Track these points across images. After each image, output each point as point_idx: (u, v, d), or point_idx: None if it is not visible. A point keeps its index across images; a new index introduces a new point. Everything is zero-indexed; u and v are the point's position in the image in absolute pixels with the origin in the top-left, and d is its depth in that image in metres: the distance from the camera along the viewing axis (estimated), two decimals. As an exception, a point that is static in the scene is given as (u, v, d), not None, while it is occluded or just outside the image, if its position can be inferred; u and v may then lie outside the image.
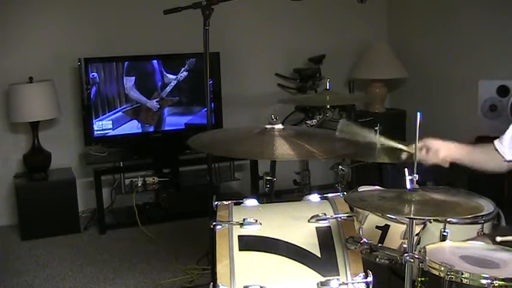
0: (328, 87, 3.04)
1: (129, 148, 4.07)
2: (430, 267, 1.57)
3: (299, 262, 1.71)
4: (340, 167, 2.86)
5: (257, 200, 2.00)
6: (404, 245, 1.62)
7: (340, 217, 1.83)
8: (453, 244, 1.79)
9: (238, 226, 1.79)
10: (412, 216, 1.54)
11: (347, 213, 1.84)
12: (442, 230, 1.90)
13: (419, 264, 1.59)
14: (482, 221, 2.07)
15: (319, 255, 1.72)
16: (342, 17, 4.66)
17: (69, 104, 4.07)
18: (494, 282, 1.47)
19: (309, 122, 3.11)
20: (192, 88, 4.08)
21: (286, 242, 1.75)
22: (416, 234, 2.08)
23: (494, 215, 2.14)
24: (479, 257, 1.64)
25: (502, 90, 3.38)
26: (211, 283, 1.70)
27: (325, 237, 1.77)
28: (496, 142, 2.05)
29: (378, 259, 1.72)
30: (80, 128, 4.03)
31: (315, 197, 2.01)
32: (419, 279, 1.60)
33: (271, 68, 4.52)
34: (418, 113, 1.64)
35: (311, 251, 1.73)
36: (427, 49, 4.41)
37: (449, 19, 4.14)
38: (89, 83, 3.83)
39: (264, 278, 1.67)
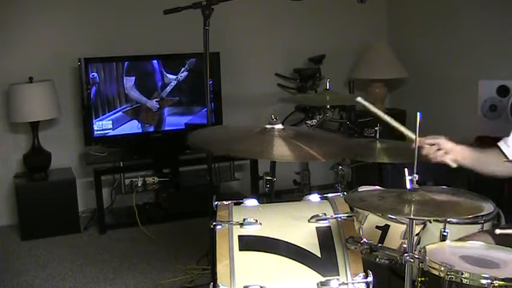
0: (328, 87, 3.04)
1: (129, 148, 4.07)
2: (430, 267, 1.57)
3: (299, 262, 1.71)
4: (340, 167, 2.86)
5: (257, 200, 2.00)
6: (404, 245, 1.62)
7: (340, 217, 1.83)
8: (453, 244, 1.79)
9: (238, 226, 1.79)
10: (412, 216, 1.54)
11: (347, 213, 1.85)
12: (442, 230, 1.91)
13: (419, 264, 1.59)
14: (482, 221, 2.07)
15: (319, 255, 1.72)
16: (342, 17, 4.66)
17: (69, 104, 4.07)
18: (494, 282, 1.47)
19: (309, 122, 3.11)
20: (192, 88, 4.09)
21: (286, 242, 1.75)
22: (416, 234, 2.08)
23: (494, 215, 2.15)
24: (479, 257, 1.64)
25: (502, 90, 3.39)
26: (211, 283, 1.70)
27: (325, 237, 1.77)
28: (500, 143, 2.04)
29: (378, 259, 1.72)
30: (80, 128, 4.03)
31: (315, 197, 2.01)
32: (419, 279, 1.60)
33: (271, 68, 4.52)
34: (418, 113, 1.64)
35: (311, 251, 1.73)
36: (427, 49, 4.41)
37: (449, 19, 4.14)
38: (89, 83, 3.83)
39: (264, 278, 1.67)
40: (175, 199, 4.22)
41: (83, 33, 4.03)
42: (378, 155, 2.45)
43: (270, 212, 1.96)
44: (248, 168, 4.19)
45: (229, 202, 1.94)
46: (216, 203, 1.94)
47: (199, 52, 2.60)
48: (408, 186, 1.61)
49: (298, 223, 1.83)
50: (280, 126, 1.97)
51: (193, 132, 2.07)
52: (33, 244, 3.67)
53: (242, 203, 1.97)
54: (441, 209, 1.61)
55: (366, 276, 1.68)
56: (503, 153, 2.01)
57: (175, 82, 4.04)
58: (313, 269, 1.69)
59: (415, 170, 1.63)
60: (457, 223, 2.06)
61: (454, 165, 1.99)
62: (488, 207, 2.17)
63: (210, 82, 3.15)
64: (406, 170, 1.64)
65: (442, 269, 1.53)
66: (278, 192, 3.75)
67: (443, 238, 1.89)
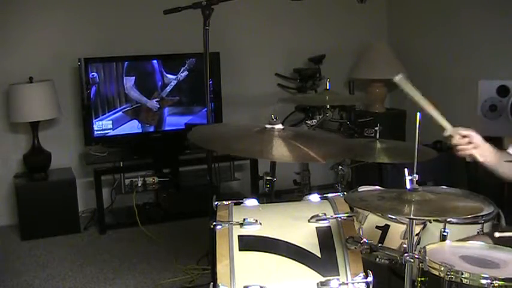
0: (328, 87, 3.03)
1: (129, 148, 4.07)
2: (430, 267, 1.57)
3: (299, 262, 1.71)
4: (340, 167, 2.86)
5: (257, 200, 2.00)
6: (404, 245, 1.62)
7: (340, 217, 1.83)
8: (453, 244, 1.79)
9: (238, 226, 1.79)
10: (412, 216, 1.54)
11: (347, 213, 1.85)
12: (442, 230, 1.91)
13: (419, 264, 1.59)
14: (482, 221, 2.07)
15: (319, 255, 1.72)
16: (342, 17, 4.66)
17: (69, 104, 4.07)
18: (494, 282, 1.47)
19: (309, 122, 3.11)
20: (192, 88, 4.09)
21: (286, 242, 1.75)
22: (416, 234, 2.08)
23: (494, 215, 2.15)
24: (479, 257, 1.64)
25: (502, 90, 3.38)
26: (211, 283, 1.70)
27: (325, 237, 1.77)
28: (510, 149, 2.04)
29: (378, 259, 1.72)
30: (80, 128, 4.03)
31: (315, 197, 2.01)
32: (419, 279, 1.60)
33: (271, 68, 4.52)
34: (418, 113, 1.64)
35: (311, 251, 1.73)
36: (427, 49, 4.41)
37: (449, 19, 4.14)
38: (89, 83, 3.83)
39: (264, 278, 1.67)
40: (175, 199, 4.22)
41: (83, 33, 4.03)
42: (377, 155, 2.45)
43: (270, 212, 1.96)
44: (248, 168, 4.19)
45: (229, 202, 1.94)
46: (216, 203, 1.94)
47: (199, 52, 2.60)
48: (408, 186, 1.61)
49: (298, 223, 1.83)
50: (280, 126, 1.97)
51: (193, 129, 2.06)
52: (33, 244, 3.67)
53: (242, 203, 1.97)
54: (441, 209, 1.61)
55: (366, 276, 1.68)
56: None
57: (175, 82, 4.04)
58: (313, 269, 1.69)
59: (415, 170, 1.63)
60: (457, 223, 2.07)
61: (481, 159, 1.97)
62: (488, 207, 2.18)
63: (210, 82, 3.15)
64: (406, 170, 1.64)
65: (442, 269, 1.53)
66: (278, 192, 3.75)
67: (443, 238, 1.89)
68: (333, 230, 1.80)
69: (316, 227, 1.80)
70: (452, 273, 1.52)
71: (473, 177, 3.31)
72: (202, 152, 3.26)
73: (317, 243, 1.75)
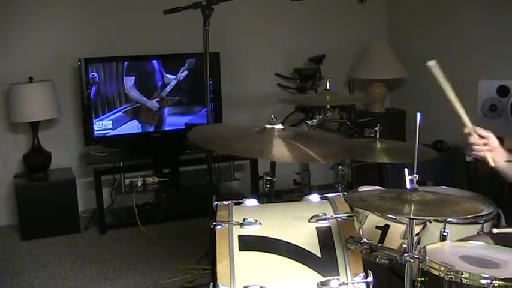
0: (328, 87, 3.03)
1: (129, 148, 4.07)
2: (430, 267, 1.57)
3: (299, 262, 1.71)
4: (340, 167, 2.86)
5: (257, 200, 2.00)
6: (404, 245, 1.62)
7: (340, 217, 1.83)
8: (453, 244, 1.79)
9: (238, 226, 1.79)
10: (412, 216, 1.54)
11: (347, 213, 1.84)
12: (442, 230, 1.91)
13: (419, 264, 1.59)
14: (482, 221, 2.07)
15: (319, 255, 1.72)
16: (342, 17, 4.66)
17: (69, 104, 4.07)
18: (494, 282, 1.47)
19: (309, 122, 3.11)
20: (192, 88, 4.09)
21: (286, 242, 1.75)
22: (416, 234, 2.08)
23: (494, 215, 2.15)
24: (479, 257, 1.64)
25: (502, 90, 3.38)
26: (211, 283, 1.70)
27: (325, 237, 1.77)
28: None
29: (378, 259, 1.72)
30: (80, 128, 4.03)
31: (315, 197, 2.01)
32: (419, 279, 1.60)
33: (271, 68, 4.52)
34: (418, 113, 1.64)
35: (311, 251, 1.73)
36: (427, 49, 4.40)
37: (449, 19, 4.14)
38: (89, 83, 3.83)
39: (264, 278, 1.67)
40: (175, 199, 4.22)
41: (83, 33, 4.03)
42: (377, 155, 2.45)
43: (270, 212, 1.96)
44: (248, 168, 4.19)
45: (229, 202, 1.94)
46: (216, 203, 1.94)
47: (199, 52, 2.60)
48: (408, 186, 1.61)
49: (298, 223, 1.83)
50: (280, 126, 1.97)
51: (192, 129, 2.06)
52: (33, 244, 3.67)
53: (242, 203, 1.97)
54: (441, 209, 1.61)
55: (366, 276, 1.68)
56: None
57: (175, 82, 4.04)
58: (313, 269, 1.69)
59: (415, 170, 1.63)
60: (457, 223, 2.07)
61: (492, 164, 1.96)
62: (488, 207, 2.18)
63: (210, 82, 3.15)
64: (406, 170, 1.64)
65: (442, 269, 1.53)
66: (278, 192, 3.75)
67: (443, 238, 1.89)
68: (333, 230, 1.80)
69: (316, 227, 1.80)
70: (452, 273, 1.52)
71: (473, 177, 3.31)
72: (202, 152, 3.26)
73: (317, 243, 1.75)
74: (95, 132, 3.90)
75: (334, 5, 4.63)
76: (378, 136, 2.54)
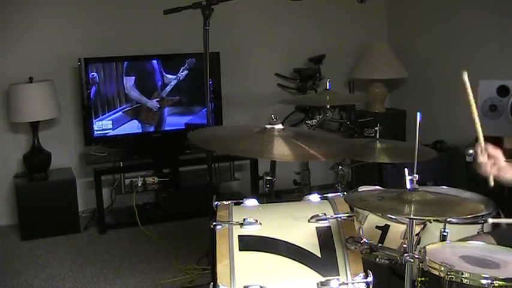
0: (328, 87, 3.03)
1: (129, 148, 4.07)
2: (430, 267, 1.57)
3: (299, 262, 1.71)
4: (340, 167, 2.86)
5: (257, 200, 2.00)
6: (404, 245, 1.62)
7: (340, 217, 1.83)
8: (453, 244, 1.79)
9: (238, 226, 1.79)
10: (412, 216, 1.54)
11: (347, 213, 1.85)
12: (442, 230, 1.91)
13: (419, 264, 1.59)
14: (482, 221, 2.07)
15: (319, 255, 1.72)
16: (342, 17, 4.66)
17: (69, 104, 4.07)
18: (494, 282, 1.47)
19: (309, 122, 3.11)
20: (193, 88, 4.09)
21: (286, 242, 1.75)
22: (416, 234, 2.08)
23: (494, 215, 2.14)
24: (479, 257, 1.64)
25: (502, 90, 3.38)
26: (211, 283, 1.70)
27: (325, 237, 1.77)
28: None
29: (378, 259, 1.72)
30: (80, 128, 4.03)
31: (315, 197, 2.01)
32: (419, 279, 1.60)
33: (271, 68, 4.52)
34: (418, 113, 1.64)
35: (311, 251, 1.73)
36: (427, 49, 4.41)
37: (450, 19, 4.14)
38: (89, 83, 3.83)
39: (264, 278, 1.67)
40: (175, 199, 4.22)
41: (83, 33, 4.03)
42: (377, 155, 2.45)
43: (270, 212, 1.96)
44: (248, 168, 4.19)
45: (229, 202, 1.94)
46: (216, 203, 1.94)
47: (199, 52, 2.60)
48: (408, 186, 1.61)
49: (298, 223, 1.83)
50: (280, 126, 1.97)
51: (193, 131, 2.07)
52: (33, 244, 3.67)
53: (242, 203, 1.97)
54: (441, 209, 1.61)
55: (366, 276, 1.68)
56: None
57: (175, 82, 4.04)
58: (313, 269, 1.69)
59: (415, 170, 1.63)
60: (457, 223, 2.07)
61: (492, 184, 1.95)
62: (488, 207, 2.17)
63: (210, 82, 3.15)
64: (406, 170, 1.64)
65: (442, 269, 1.53)
66: (278, 192, 3.75)
67: (443, 238, 1.89)
68: (333, 230, 1.80)
69: (316, 227, 1.80)
70: (452, 273, 1.51)
71: (473, 177, 3.30)
72: (202, 152, 3.27)
73: (317, 243, 1.75)
74: (95, 132, 3.90)
75: (334, 5, 4.63)
76: (378, 136, 2.54)
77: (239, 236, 1.76)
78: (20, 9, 3.89)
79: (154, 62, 4.02)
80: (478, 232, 2.03)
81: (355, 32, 4.67)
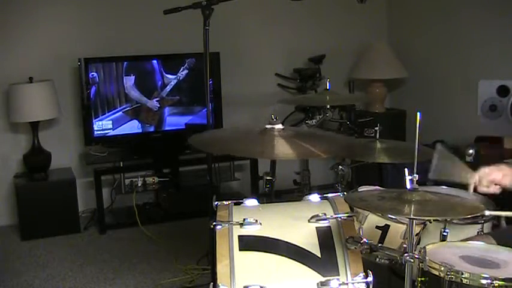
0: (328, 87, 3.03)
1: (129, 148, 4.07)
2: (430, 267, 1.57)
3: (299, 262, 1.71)
4: (340, 167, 2.85)
5: (257, 200, 2.00)
6: (404, 245, 1.62)
7: (340, 217, 1.83)
8: (453, 244, 1.79)
9: (238, 226, 1.79)
10: (412, 216, 1.54)
11: (347, 213, 1.84)
12: (442, 230, 1.91)
13: (419, 264, 1.59)
14: (482, 221, 2.07)
15: (319, 255, 1.72)
16: (342, 17, 4.66)
17: (69, 104, 4.07)
18: (494, 282, 1.47)
19: (309, 122, 3.11)
20: (193, 88, 4.09)
21: (286, 242, 1.75)
22: (416, 234, 2.08)
23: (494, 215, 2.14)
24: (479, 257, 1.64)
25: (502, 90, 3.39)
26: (211, 283, 1.70)
27: (325, 237, 1.77)
28: None
29: (378, 259, 1.72)
30: (80, 128, 4.03)
31: (315, 197, 2.01)
32: (419, 279, 1.60)
33: (271, 68, 4.53)
34: (418, 113, 1.64)
35: (311, 251, 1.73)
36: (427, 49, 4.41)
37: (450, 19, 4.14)
38: (89, 83, 3.83)
39: (264, 278, 1.67)
40: (175, 199, 4.22)
41: (83, 33, 4.03)
42: (377, 155, 2.45)
43: (270, 212, 1.96)
44: (248, 168, 4.19)
45: (229, 202, 1.94)
46: (216, 203, 1.94)
47: (199, 52, 2.60)
48: (408, 186, 1.61)
49: (298, 223, 1.83)
50: (280, 126, 1.97)
51: (193, 135, 2.07)
52: (33, 244, 3.67)
53: (242, 203, 1.97)
54: (441, 209, 1.61)
55: (366, 276, 1.68)
56: None
57: (176, 81, 4.04)
58: (313, 269, 1.69)
59: (415, 170, 1.63)
60: (457, 223, 2.06)
61: (498, 192, 2.00)
62: (488, 207, 2.17)
63: (210, 82, 3.15)
64: (406, 170, 1.63)
65: (442, 269, 1.53)
66: (278, 192, 3.75)
67: (443, 238, 1.89)
68: (333, 230, 1.80)
69: (316, 227, 1.80)
70: (452, 273, 1.52)
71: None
72: (202, 152, 3.26)
73: (317, 243, 1.75)
74: (95, 132, 3.90)
75: (334, 5, 4.63)
76: (378, 136, 2.54)
77: (239, 236, 1.76)
78: (20, 9, 3.89)
79: (154, 62, 4.01)
80: (478, 232, 2.03)
81: (355, 32, 4.67)
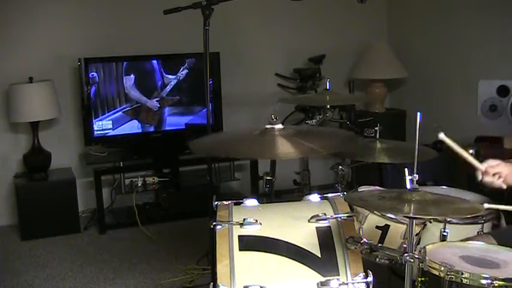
0: (328, 87, 3.03)
1: (129, 148, 4.07)
2: (430, 267, 1.57)
3: (299, 262, 1.71)
4: (340, 167, 2.85)
5: (257, 200, 2.00)
6: (404, 245, 1.62)
7: (340, 217, 1.83)
8: (453, 244, 1.79)
9: (238, 226, 1.79)
10: (412, 216, 1.54)
11: (347, 213, 1.85)
12: (442, 230, 1.91)
13: (419, 264, 1.59)
14: (482, 221, 2.07)
15: (319, 255, 1.72)
16: (342, 17, 4.66)
17: (69, 104, 4.07)
18: (494, 282, 1.47)
19: (309, 122, 3.11)
20: (192, 88, 4.09)
21: (286, 242, 1.75)
22: (416, 234, 2.08)
23: (494, 215, 2.15)
24: (479, 257, 1.64)
25: (502, 90, 3.39)
26: (211, 283, 1.70)
27: (325, 237, 1.77)
28: None
29: (378, 259, 1.72)
30: (80, 128, 4.03)
31: (315, 197, 2.01)
32: (419, 279, 1.60)
33: (271, 68, 4.53)
34: (418, 113, 1.64)
35: (311, 251, 1.73)
36: (427, 49, 4.41)
37: (450, 19, 4.14)
38: (89, 83, 3.83)
39: (264, 278, 1.67)
40: (175, 199, 4.22)
41: (83, 33, 4.03)
42: (377, 155, 2.45)
43: (270, 212, 1.96)
44: (248, 168, 4.19)
45: (229, 202, 1.94)
46: (216, 203, 1.94)
47: (199, 52, 2.60)
48: (408, 186, 1.61)
49: (298, 223, 1.83)
50: (280, 126, 1.97)
51: (193, 141, 2.07)
52: (33, 244, 3.67)
53: (242, 203, 1.98)
54: (441, 209, 1.61)
55: (366, 276, 1.68)
56: None
57: (176, 81, 4.04)
58: (313, 269, 1.69)
59: (415, 170, 1.63)
60: (457, 223, 2.07)
61: (505, 187, 2.00)
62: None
63: (210, 82, 3.15)
64: (406, 170, 1.64)
65: (442, 269, 1.54)
66: (278, 192, 3.75)
67: (443, 238, 1.89)
68: (333, 230, 1.80)
69: (316, 227, 1.80)
70: (452, 273, 1.52)
71: (473, 177, 3.31)
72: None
73: (317, 243, 1.75)
74: (95, 132, 3.90)
75: (334, 5, 4.63)
76: (378, 136, 2.54)
77: (239, 236, 1.76)
78: (20, 9, 3.89)
79: (154, 61, 4.01)
80: (478, 232, 2.03)
81: (355, 32, 4.67)
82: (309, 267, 1.70)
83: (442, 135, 1.94)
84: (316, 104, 3.31)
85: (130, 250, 3.56)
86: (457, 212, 1.66)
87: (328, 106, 3.04)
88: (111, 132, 3.94)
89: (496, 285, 1.47)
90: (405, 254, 1.59)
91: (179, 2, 2.55)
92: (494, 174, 2.00)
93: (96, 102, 3.87)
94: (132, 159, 4.02)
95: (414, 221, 1.61)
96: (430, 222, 2.09)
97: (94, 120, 3.87)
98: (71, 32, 4.02)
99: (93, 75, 3.83)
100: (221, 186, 4.31)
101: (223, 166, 4.19)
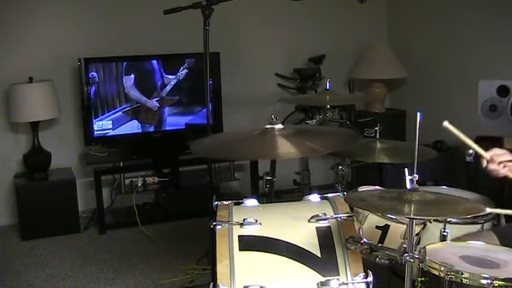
0: (328, 87, 3.03)
1: (129, 148, 4.07)
2: (430, 267, 1.57)
3: (299, 262, 1.71)
4: (340, 167, 2.85)
5: (257, 200, 2.00)
6: (405, 245, 1.62)
7: (340, 217, 1.83)
8: (453, 244, 1.79)
9: (238, 226, 1.79)
10: (412, 216, 1.54)
11: (347, 213, 1.84)
12: (442, 230, 1.91)
13: (419, 264, 1.59)
14: (482, 221, 2.07)
15: (319, 255, 1.72)
16: (342, 17, 4.66)
17: (69, 104, 4.07)
18: (494, 282, 1.47)
19: (309, 122, 3.11)
20: (192, 88, 4.09)
21: (286, 242, 1.75)
22: (416, 234, 2.08)
23: (494, 215, 2.15)
24: (479, 257, 1.64)
25: (502, 90, 3.39)
26: (211, 283, 1.70)
27: (325, 237, 1.77)
28: None
29: (378, 259, 1.72)
30: (80, 128, 4.03)
31: (315, 197, 2.01)
32: (419, 279, 1.60)
33: (271, 68, 4.53)
34: (418, 113, 1.64)
35: (311, 251, 1.73)
36: (427, 49, 4.41)
37: (450, 19, 4.14)
38: (89, 83, 3.83)
39: (264, 278, 1.67)
40: (175, 199, 4.22)
41: (83, 33, 4.03)
42: (378, 155, 2.45)
43: (270, 212, 1.96)
44: (248, 168, 4.19)
45: (229, 202, 1.94)
46: (216, 203, 1.94)
47: (199, 52, 2.60)
48: (408, 186, 1.61)
49: (298, 223, 1.83)
50: (280, 126, 1.97)
51: (194, 142, 2.07)
52: (33, 244, 3.67)
53: (242, 203, 1.97)
54: (441, 209, 1.61)
55: (366, 276, 1.68)
56: None
57: (175, 81, 4.04)
58: (313, 269, 1.69)
59: (415, 170, 1.63)
60: (457, 223, 2.07)
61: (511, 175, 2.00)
62: (488, 207, 2.17)
63: (210, 82, 3.15)
64: (406, 170, 1.64)
65: (442, 269, 1.53)
66: (278, 192, 3.75)
67: (443, 238, 1.89)
68: (333, 230, 1.80)
69: (316, 227, 1.80)
70: (452, 273, 1.52)
71: (473, 177, 3.31)
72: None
73: (317, 243, 1.75)
74: (95, 132, 3.90)
75: (334, 5, 4.63)
76: (378, 136, 2.54)
77: (239, 236, 1.76)
78: (20, 9, 3.89)
79: (154, 61, 4.02)
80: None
81: (355, 32, 4.67)
82: (309, 267, 1.70)
83: (446, 123, 1.94)
84: (316, 104, 3.31)
85: (130, 250, 3.56)
86: (457, 212, 1.66)
87: (328, 106, 3.04)
88: (111, 132, 3.94)
89: (496, 285, 1.47)
90: (405, 254, 1.59)
91: (179, 2, 2.55)
92: (499, 163, 1.99)
93: (96, 102, 3.87)
94: (132, 159, 4.02)
95: (414, 221, 1.61)
96: (430, 222, 2.09)
97: (94, 120, 3.87)
98: (71, 32, 4.02)
99: (93, 75, 3.83)
100: (221, 186, 4.31)
101: (223, 166, 4.19)
